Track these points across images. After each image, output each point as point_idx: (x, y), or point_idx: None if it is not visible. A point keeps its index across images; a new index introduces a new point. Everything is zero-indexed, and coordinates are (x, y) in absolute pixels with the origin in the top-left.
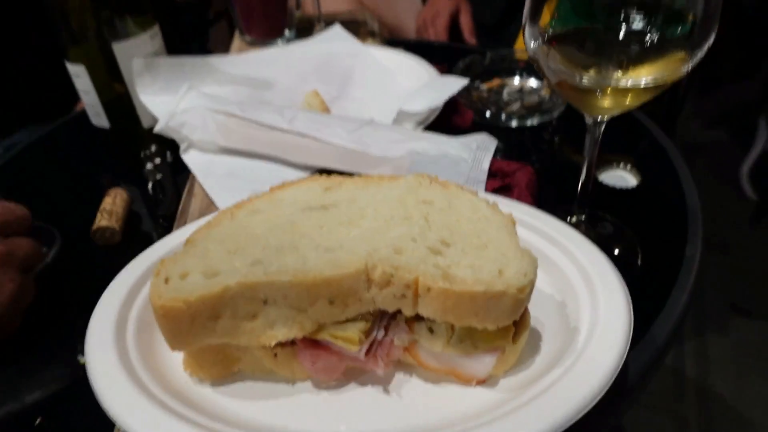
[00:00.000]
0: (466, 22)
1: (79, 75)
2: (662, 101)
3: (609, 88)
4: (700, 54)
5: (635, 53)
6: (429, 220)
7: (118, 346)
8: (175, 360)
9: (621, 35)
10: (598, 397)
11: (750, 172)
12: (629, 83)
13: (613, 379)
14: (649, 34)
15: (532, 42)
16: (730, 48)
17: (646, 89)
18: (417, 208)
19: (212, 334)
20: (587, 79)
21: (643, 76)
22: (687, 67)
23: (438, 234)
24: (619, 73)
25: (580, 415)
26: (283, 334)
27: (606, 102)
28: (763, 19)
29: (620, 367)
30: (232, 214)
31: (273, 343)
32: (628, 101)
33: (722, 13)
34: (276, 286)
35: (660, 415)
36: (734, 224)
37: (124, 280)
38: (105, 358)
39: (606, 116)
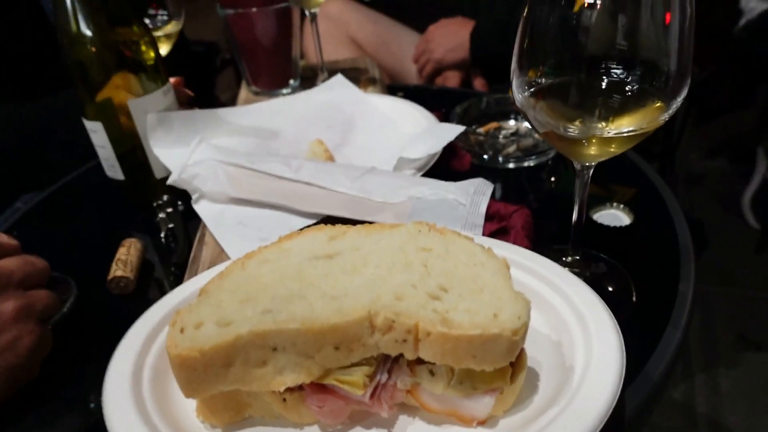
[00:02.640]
0: (479, 81)
1: (96, 131)
2: (659, 134)
3: (594, 138)
4: (676, 104)
5: (616, 104)
6: (428, 266)
7: (134, 393)
8: (188, 407)
9: (603, 87)
10: None
11: (752, 201)
12: (612, 133)
13: (608, 416)
14: (628, 86)
15: (519, 94)
16: (724, 78)
17: (628, 137)
18: (417, 255)
19: (224, 381)
20: (573, 129)
21: (625, 125)
22: (665, 116)
23: (437, 280)
24: (603, 124)
25: None
26: (291, 379)
27: (592, 150)
28: (755, 48)
29: (614, 404)
30: (243, 265)
31: (282, 389)
32: (613, 149)
33: (714, 43)
34: (285, 334)
35: None
36: (739, 254)
37: (140, 329)
38: (121, 405)
39: (593, 162)
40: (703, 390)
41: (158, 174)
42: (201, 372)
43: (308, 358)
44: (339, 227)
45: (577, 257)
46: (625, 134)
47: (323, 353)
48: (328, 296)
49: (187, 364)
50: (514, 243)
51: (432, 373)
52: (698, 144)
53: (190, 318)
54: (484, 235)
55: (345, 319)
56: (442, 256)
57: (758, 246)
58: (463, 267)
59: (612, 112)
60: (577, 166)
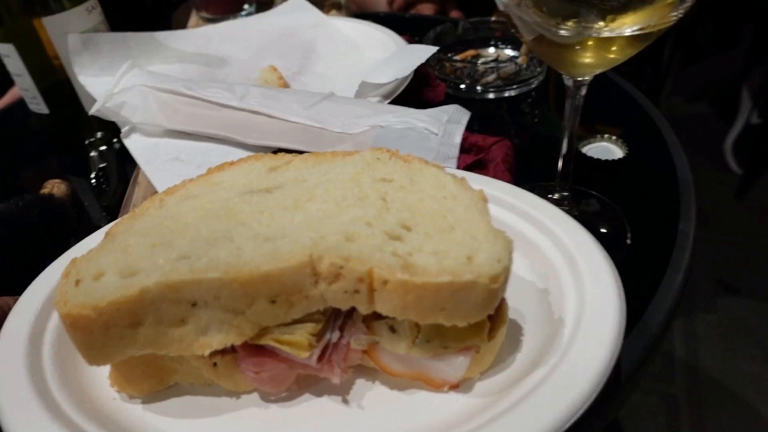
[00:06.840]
0: (455, 14)
1: (9, 55)
2: (645, 76)
3: (590, 41)
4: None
5: None
6: (387, 200)
7: (29, 360)
8: (100, 374)
9: None
10: (591, 399)
11: (734, 145)
12: (613, 33)
13: (606, 377)
14: None
15: None
16: (710, 19)
17: (631, 40)
18: (373, 187)
19: (133, 344)
20: (566, 31)
21: (629, 24)
22: (677, 13)
23: (397, 216)
24: (602, 23)
25: (571, 422)
26: (218, 341)
27: (587, 57)
28: None
29: (614, 361)
30: (161, 201)
31: (207, 352)
32: (613, 55)
33: None
34: (204, 284)
35: (650, 397)
36: (719, 199)
37: (42, 284)
38: (13, 374)
39: (587, 76)
40: (681, 334)
41: (89, 107)
42: (100, 334)
43: (238, 314)
44: (282, 156)
45: (566, 194)
46: (627, 35)
47: (256, 308)
48: (260, 238)
49: (81, 325)
50: (494, 177)
51: (393, 329)
52: (682, 87)
53: (88, 267)
54: (458, 168)
55: (280, 265)
56: (406, 188)
57: (738, 191)
58: (430, 200)
59: (613, 9)
60: (568, 83)
